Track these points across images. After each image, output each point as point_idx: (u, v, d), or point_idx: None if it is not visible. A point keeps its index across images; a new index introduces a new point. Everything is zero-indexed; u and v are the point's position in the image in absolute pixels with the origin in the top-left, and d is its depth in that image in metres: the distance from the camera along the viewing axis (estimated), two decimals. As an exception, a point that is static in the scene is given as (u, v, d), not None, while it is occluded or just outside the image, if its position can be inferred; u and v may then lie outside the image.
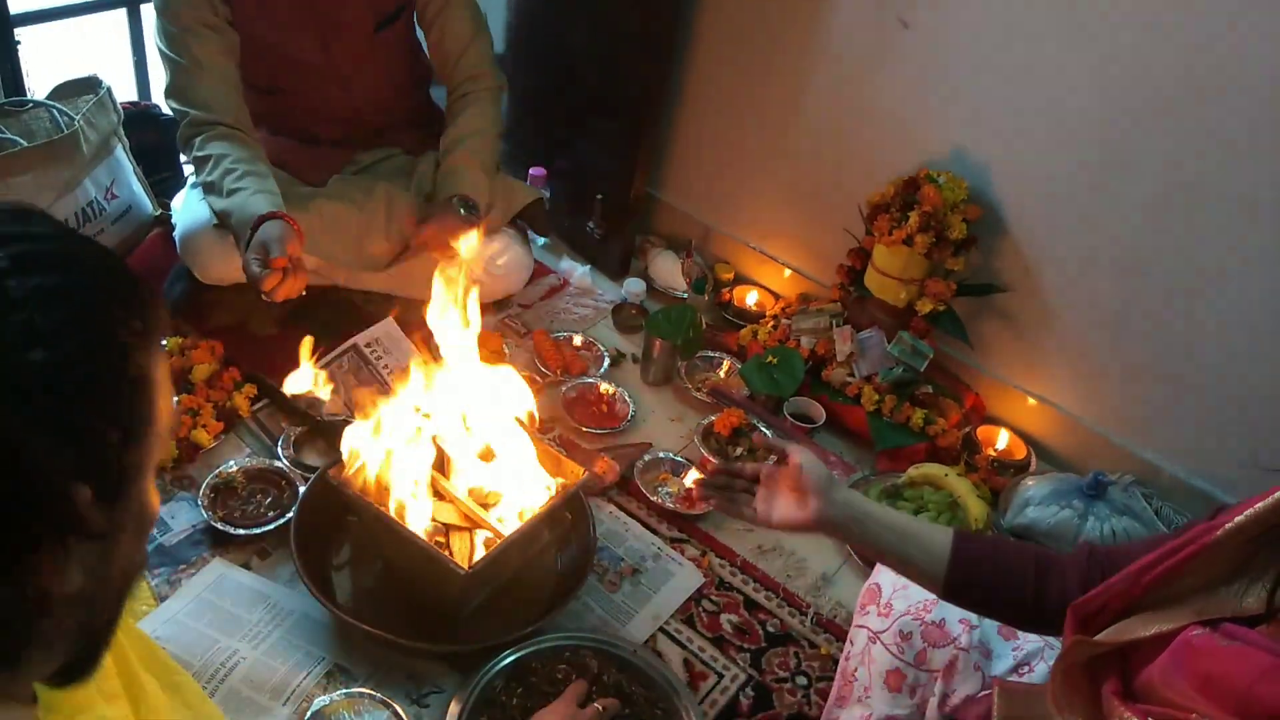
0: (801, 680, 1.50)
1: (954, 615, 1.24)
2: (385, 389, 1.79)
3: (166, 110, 1.83)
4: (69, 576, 0.58)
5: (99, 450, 0.57)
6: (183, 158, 1.74)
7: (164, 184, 2.18)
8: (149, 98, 2.41)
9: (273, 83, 1.87)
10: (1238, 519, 0.84)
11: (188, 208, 1.86)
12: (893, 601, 1.30)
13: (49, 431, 0.54)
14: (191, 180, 1.92)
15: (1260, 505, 0.84)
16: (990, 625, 1.24)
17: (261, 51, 1.80)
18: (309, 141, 1.96)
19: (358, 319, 1.93)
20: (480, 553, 1.39)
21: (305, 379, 1.41)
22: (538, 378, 1.94)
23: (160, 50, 1.73)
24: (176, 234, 1.85)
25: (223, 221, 1.69)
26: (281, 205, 1.64)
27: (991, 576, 1.06)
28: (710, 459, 1.81)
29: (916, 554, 1.08)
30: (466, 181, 1.83)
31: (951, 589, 1.07)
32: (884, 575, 1.39)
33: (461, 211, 1.79)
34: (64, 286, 0.56)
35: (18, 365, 0.53)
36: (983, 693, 1.18)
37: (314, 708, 1.31)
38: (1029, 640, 1.23)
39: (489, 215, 1.91)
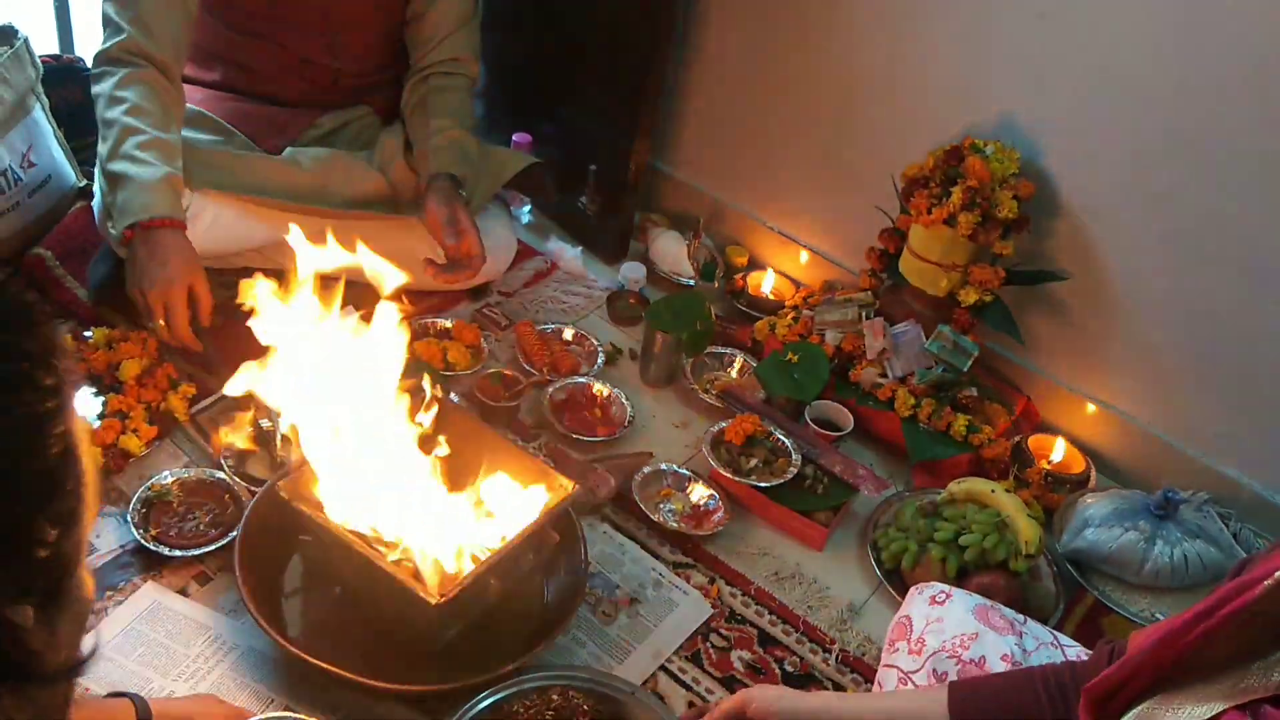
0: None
1: (995, 652, 1.24)
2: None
3: (92, 81, 1.83)
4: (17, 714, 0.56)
5: (35, 556, 0.54)
6: (92, 85, 1.75)
7: (89, 150, 2.16)
8: (72, 50, 2.40)
9: (256, 29, 1.89)
10: (1260, 590, 0.81)
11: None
12: (925, 637, 1.30)
13: None
14: None
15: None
16: (1035, 663, 1.24)
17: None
18: (271, 101, 1.97)
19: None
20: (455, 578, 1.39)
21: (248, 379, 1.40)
22: (521, 377, 1.93)
23: None
24: (96, 204, 1.85)
25: (106, 181, 1.70)
26: (179, 206, 1.67)
27: None
28: (722, 472, 1.81)
29: None
30: (464, 172, 1.91)
31: None
32: (915, 607, 1.39)
33: (461, 193, 1.86)
34: None
35: None
36: None
37: None
38: None
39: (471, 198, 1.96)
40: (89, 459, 0.60)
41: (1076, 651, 1.27)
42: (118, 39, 1.73)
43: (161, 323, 1.65)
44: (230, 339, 1.88)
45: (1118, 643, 1.04)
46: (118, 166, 1.66)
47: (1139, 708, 0.88)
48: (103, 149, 1.71)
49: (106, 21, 1.76)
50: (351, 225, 1.91)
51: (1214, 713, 0.81)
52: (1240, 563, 1.00)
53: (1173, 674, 0.87)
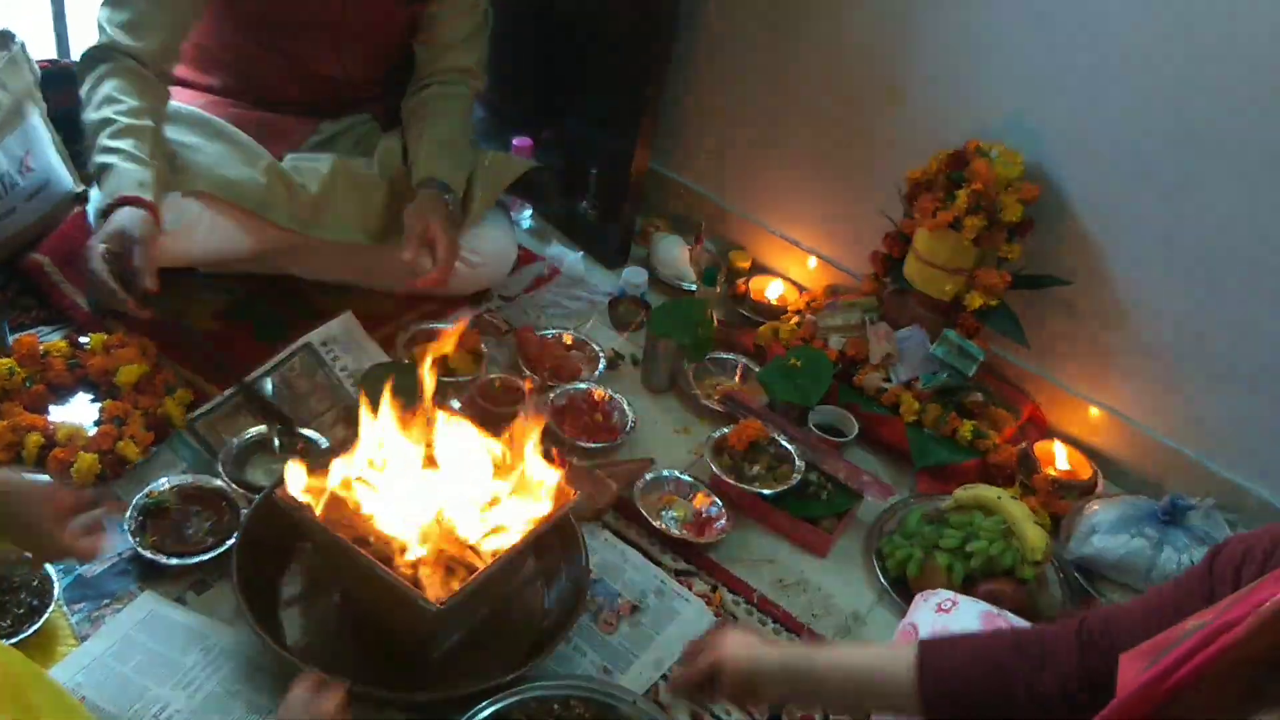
0: None
1: None
2: (346, 399, 1.80)
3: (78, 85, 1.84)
4: None
5: None
6: (77, 84, 1.78)
7: (87, 155, 2.17)
8: (70, 55, 2.41)
9: (267, 38, 1.90)
10: (1255, 618, 0.80)
11: None
12: (933, 645, 1.30)
13: None
14: None
15: (1268, 608, 0.79)
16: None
17: (267, 3, 1.84)
18: (273, 108, 1.98)
19: (310, 313, 1.93)
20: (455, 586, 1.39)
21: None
22: (522, 383, 1.94)
23: None
24: (90, 209, 1.85)
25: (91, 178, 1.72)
26: (150, 185, 1.66)
27: (972, 687, 1.07)
28: (724, 479, 1.81)
29: (886, 693, 1.11)
30: (454, 177, 1.93)
31: (932, 710, 1.09)
32: (921, 614, 1.39)
33: (446, 199, 1.88)
34: None
35: None
36: None
37: None
38: None
39: (471, 204, 1.98)
40: None
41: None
42: (100, 41, 1.75)
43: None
44: (228, 344, 1.90)
45: (1086, 620, 1.05)
46: (96, 160, 1.68)
47: None
48: (85, 149, 1.73)
49: (98, 29, 1.78)
50: (350, 254, 1.93)
51: None
52: (1211, 553, 1.00)
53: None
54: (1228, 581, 0.96)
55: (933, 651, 1.11)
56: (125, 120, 1.69)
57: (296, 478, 1.37)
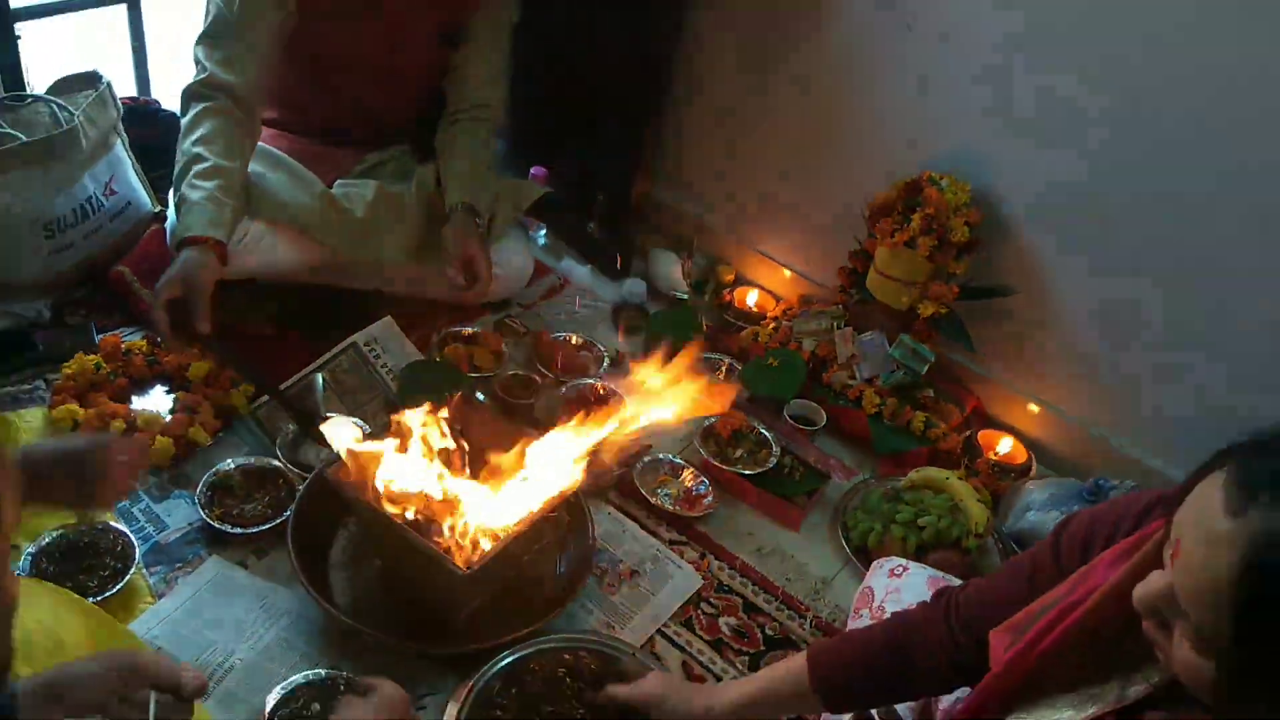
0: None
1: None
2: (387, 392, 1.80)
3: (166, 105, 1.83)
4: None
5: None
6: (181, 114, 1.74)
7: (163, 180, 2.15)
8: (149, 93, 2.41)
9: (322, 78, 1.90)
10: (1095, 598, 0.79)
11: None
12: (885, 605, 1.30)
13: None
14: None
15: (1111, 585, 0.79)
16: None
17: (322, 45, 1.83)
18: (325, 140, 1.98)
19: (354, 318, 1.93)
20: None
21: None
22: (537, 378, 1.93)
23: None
24: (168, 227, 1.85)
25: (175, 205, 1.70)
26: (223, 224, 1.63)
27: (856, 677, 1.06)
28: (711, 461, 1.81)
29: (790, 698, 1.10)
30: (482, 201, 1.92)
31: (830, 704, 1.08)
32: (877, 579, 1.39)
33: (477, 221, 1.87)
34: None
35: None
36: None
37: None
38: None
39: (494, 224, 1.98)
40: (5, 501, 0.61)
41: None
42: (200, 76, 1.72)
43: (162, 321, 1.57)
44: (282, 344, 1.89)
45: (954, 595, 1.03)
46: (181, 190, 1.66)
47: None
48: (174, 174, 1.70)
49: (195, 62, 1.75)
50: (391, 269, 1.93)
51: None
52: (1059, 526, 0.98)
53: (1024, 691, 0.86)
54: (1075, 556, 0.94)
55: (821, 654, 1.10)
56: (214, 160, 1.67)
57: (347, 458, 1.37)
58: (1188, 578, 0.67)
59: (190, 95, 1.73)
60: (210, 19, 1.74)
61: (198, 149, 1.68)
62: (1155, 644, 0.72)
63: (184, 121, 1.72)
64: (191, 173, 1.66)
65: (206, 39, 1.74)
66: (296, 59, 1.84)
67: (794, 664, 1.10)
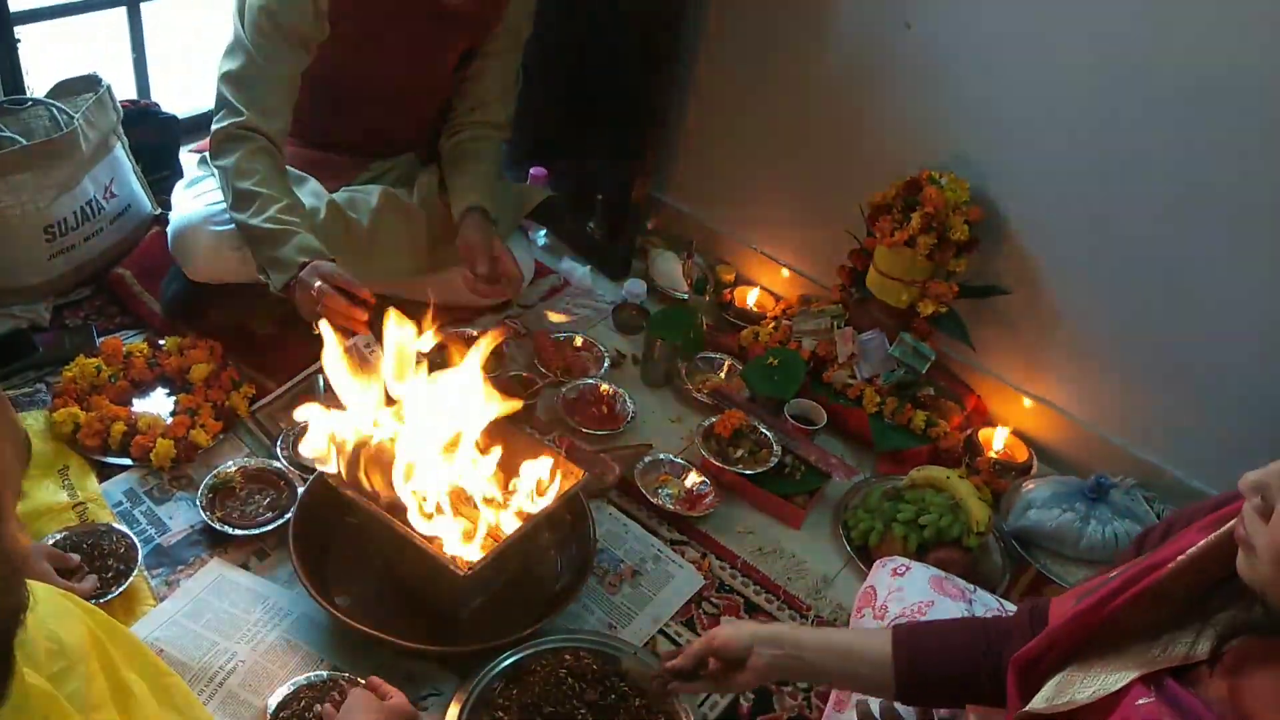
0: (802, 684, 1.50)
1: (948, 617, 1.23)
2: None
3: (166, 108, 1.83)
4: None
5: None
6: (213, 158, 1.71)
7: (163, 183, 2.17)
8: (148, 96, 2.41)
9: (339, 101, 1.89)
10: (1180, 560, 0.79)
11: (181, 205, 1.86)
12: (888, 604, 1.29)
13: None
14: (188, 179, 1.93)
15: (1198, 548, 0.78)
16: None
17: (341, 78, 1.82)
18: (333, 149, 1.97)
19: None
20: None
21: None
22: (537, 378, 1.94)
23: (239, 34, 1.69)
24: (169, 230, 1.85)
25: (251, 237, 1.66)
26: (319, 247, 1.63)
27: (940, 667, 1.03)
28: (712, 461, 1.81)
29: (862, 667, 1.06)
30: (492, 205, 1.91)
31: (905, 692, 1.05)
32: (879, 578, 1.38)
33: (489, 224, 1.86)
34: None
35: None
36: None
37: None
38: None
39: (499, 228, 1.96)
40: (6, 444, 0.61)
41: None
42: (236, 119, 1.68)
43: (326, 326, 1.53)
44: (285, 345, 1.90)
45: (1038, 603, 1.02)
46: (266, 228, 1.62)
47: (1059, 675, 0.86)
48: (245, 215, 1.64)
49: (223, 102, 1.71)
50: (397, 287, 1.93)
51: (1125, 681, 0.79)
52: (1140, 536, 0.98)
53: (1088, 645, 0.86)
54: (1156, 544, 0.93)
55: (907, 635, 1.06)
56: (287, 198, 1.67)
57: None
58: None
59: (228, 136, 1.69)
60: (239, 63, 1.69)
61: (265, 190, 1.65)
62: (1247, 535, 0.71)
63: (229, 161, 1.67)
64: (271, 210, 1.63)
65: (236, 81, 1.70)
66: (315, 91, 1.81)
67: (871, 637, 1.08)
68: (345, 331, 1.53)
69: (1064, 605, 0.91)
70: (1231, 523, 0.75)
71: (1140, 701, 0.77)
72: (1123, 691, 0.79)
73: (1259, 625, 0.74)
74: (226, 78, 1.71)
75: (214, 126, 1.71)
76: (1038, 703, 0.85)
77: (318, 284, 1.55)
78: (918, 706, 1.09)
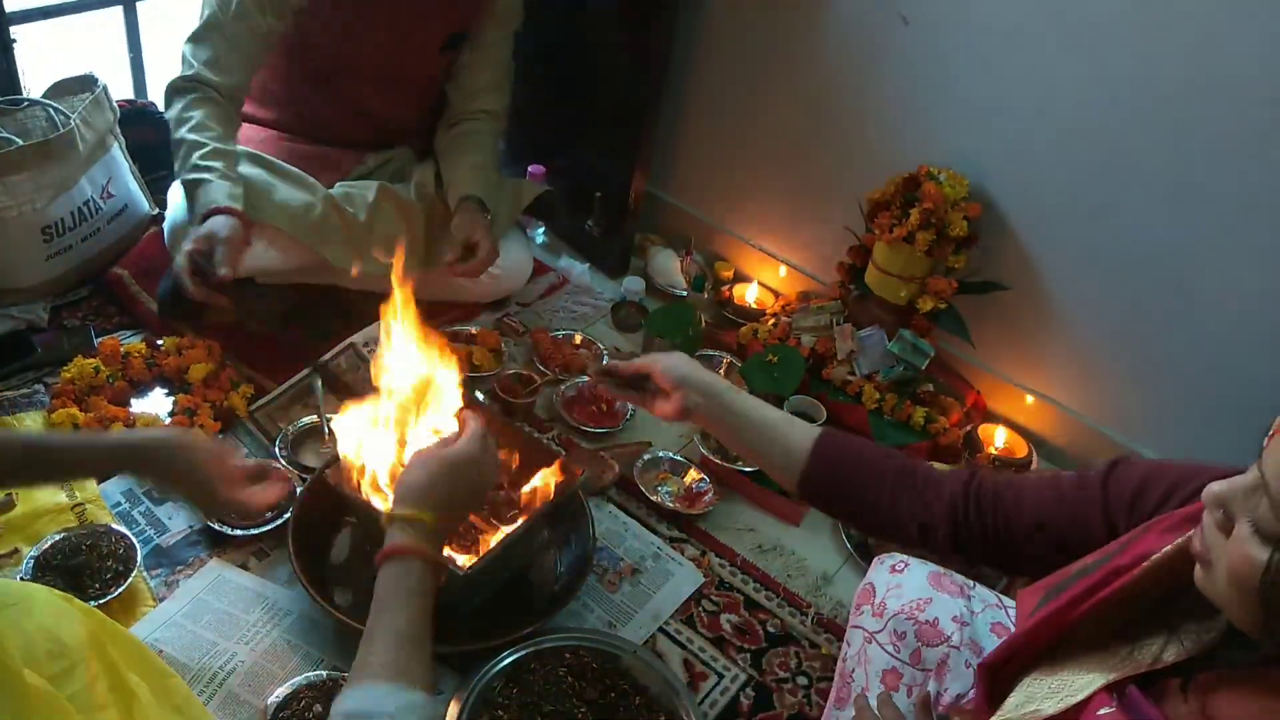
0: (802, 680, 1.50)
1: (946, 614, 1.23)
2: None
3: (164, 108, 1.83)
4: None
5: None
6: (165, 108, 1.75)
7: (160, 182, 2.17)
8: (145, 96, 2.41)
9: (328, 83, 1.90)
10: (1145, 565, 0.79)
11: (176, 203, 1.86)
12: (886, 601, 1.29)
13: None
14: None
15: (1162, 555, 0.78)
16: (982, 623, 1.23)
17: (328, 52, 1.83)
18: (328, 142, 1.97)
19: (354, 319, 1.93)
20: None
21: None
22: (536, 377, 1.94)
23: None
24: (164, 228, 1.85)
25: (184, 192, 1.70)
26: (239, 197, 1.66)
27: (847, 478, 1.06)
28: (711, 458, 1.81)
29: (775, 450, 1.09)
30: (488, 196, 1.92)
31: (805, 485, 1.08)
32: (878, 574, 1.38)
33: (483, 214, 1.87)
34: None
35: None
36: (970, 692, 1.18)
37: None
38: None
39: (496, 223, 1.97)
40: None
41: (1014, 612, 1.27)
42: (184, 73, 1.73)
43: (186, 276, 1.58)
44: (281, 346, 1.90)
45: (983, 477, 1.02)
46: (188, 177, 1.67)
47: (1027, 678, 0.86)
48: (176, 165, 1.70)
49: (183, 60, 1.76)
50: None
51: (1091, 689, 0.79)
52: (1109, 466, 0.96)
53: (1057, 647, 0.86)
54: (1124, 501, 0.93)
55: (830, 440, 1.08)
56: (215, 144, 1.68)
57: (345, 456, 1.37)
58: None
59: (175, 90, 1.74)
60: (202, 20, 1.74)
61: (194, 136, 1.68)
62: (1205, 550, 0.70)
63: (171, 115, 1.72)
64: (195, 156, 1.67)
65: (196, 38, 1.75)
66: (300, 65, 1.84)
67: (798, 428, 1.11)
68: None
69: (1028, 599, 0.91)
70: (1190, 533, 0.75)
71: (1101, 711, 0.77)
72: (1085, 701, 0.79)
73: (1232, 660, 0.74)
74: (188, 39, 1.75)
75: (168, 82, 1.75)
76: (1007, 711, 0.85)
77: (188, 245, 1.56)
78: (811, 503, 1.14)
